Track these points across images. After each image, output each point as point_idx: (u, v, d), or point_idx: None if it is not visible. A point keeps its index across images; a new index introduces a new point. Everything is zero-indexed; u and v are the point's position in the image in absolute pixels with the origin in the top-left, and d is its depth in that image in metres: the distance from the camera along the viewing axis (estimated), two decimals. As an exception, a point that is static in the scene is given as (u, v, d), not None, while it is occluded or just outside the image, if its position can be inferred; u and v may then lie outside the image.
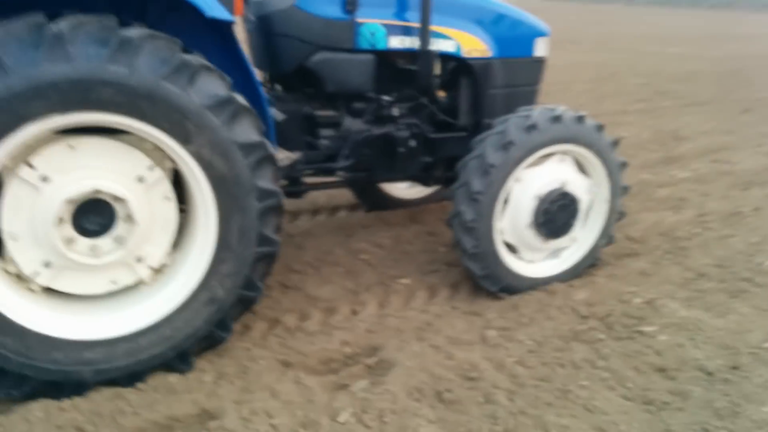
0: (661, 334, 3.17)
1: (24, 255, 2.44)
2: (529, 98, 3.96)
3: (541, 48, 3.95)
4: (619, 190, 3.72)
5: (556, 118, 3.36)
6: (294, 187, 3.67)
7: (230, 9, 2.61)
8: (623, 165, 3.70)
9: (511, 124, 3.35)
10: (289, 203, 4.76)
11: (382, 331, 3.21)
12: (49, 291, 2.56)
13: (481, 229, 3.37)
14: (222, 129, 2.49)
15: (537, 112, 3.38)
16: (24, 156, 2.35)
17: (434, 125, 3.85)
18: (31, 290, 2.52)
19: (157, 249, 2.68)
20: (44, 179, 2.38)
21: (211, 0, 2.49)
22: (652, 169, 6.25)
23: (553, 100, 9.81)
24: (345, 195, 4.98)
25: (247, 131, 2.58)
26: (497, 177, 3.31)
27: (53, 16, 2.23)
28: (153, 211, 2.61)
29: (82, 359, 2.50)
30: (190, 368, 2.75)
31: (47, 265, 2.48)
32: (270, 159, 2.68)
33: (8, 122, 2.16)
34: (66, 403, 2.47)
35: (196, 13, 2.43)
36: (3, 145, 2.20)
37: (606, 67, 14.20)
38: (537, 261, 3.70)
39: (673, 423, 2.55)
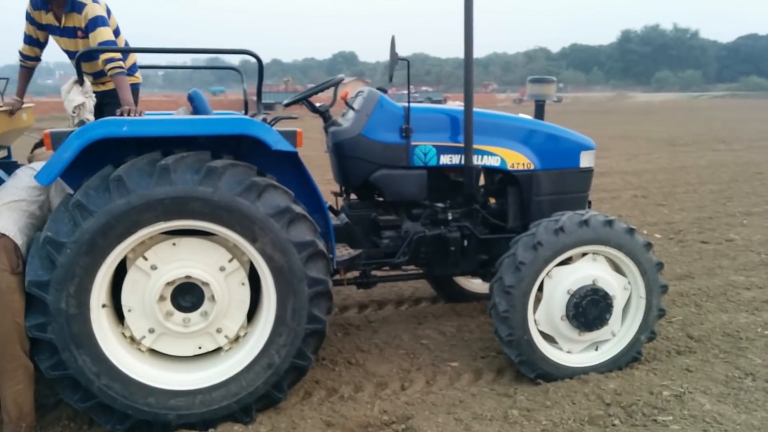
0: (675, 424, 3.37)
1: (136, 323, 3.35)
2: (577, 204, 4.42)
3: (586, 160, 4.45)
4: (656, 289, 3.99)
5: (584, 222, 3.81)
6: (363, 279, 4.37)
7: (293, 143, 3.46)
8: (659, 265, 3.99)
9: (541, 227, 3.84)
10: (375, 295, 5.54)
11: (419, 404, 3.71)
12: (152, 351, 3.43)
13: (514, 319, 3.82)
14: (281, 231, 3.28)
15: (566, 216, 3.84)
16: (142, 251, 3.29)
17: (487, 227, 4.42)
18: (140, 350, 3.41)
19: (233, 323, 3.48)
20: (153, 267, 3.29)
21: (278, 137, 3.36)
22: (748, 272, 6.20)
23: (678, 200, 9.91)
24: (427, 288, 5.60)
25: (301, 233, 3.35)
26: (527, 273, 3.78)
27: (168, 153, 3.20)
28: (231, 293, 3.43)
29: (169, 405, 3.29)
30: (252, 420, 3.43)
31: (151, 331, 3.36)
32: (320, 254, 3.41)
33: (129, 227, 3.10)
34: (154, 437, 3.27)
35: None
36: (125, 243, 3.14)
37: (750, 166, 13.73)
38: (575, 352, 4.03)
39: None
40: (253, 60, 3.61)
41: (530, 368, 3.91)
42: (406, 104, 4.08)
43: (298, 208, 3.36)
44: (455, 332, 4.76)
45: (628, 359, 4.07)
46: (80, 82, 3.52)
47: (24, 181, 3.46)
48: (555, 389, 3.79)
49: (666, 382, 3.83)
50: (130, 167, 3.10)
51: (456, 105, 4.57)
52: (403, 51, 3.86)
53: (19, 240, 3.20)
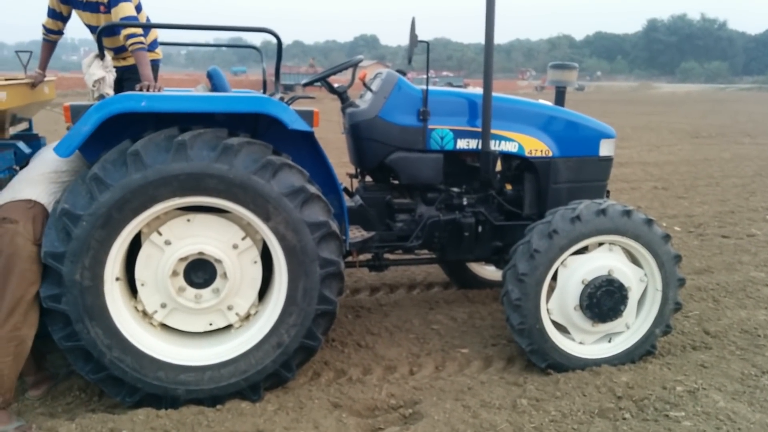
0: (687, 420, 3.32)
1: (148, 297, 3.36)
2: (596, 193, 4.35)
3: (606, 148, 4.37)
4: (673, 282, 3.93)
5: (601, 212, 3.75)
6: (376, 261, 4.35)
7: (310, 123, 3.43)
8: (677, 258, 3.92)
9: (557, 215, 3.79)
10: (388, 278, 5.53)
11: (427, 389, 3.69)
12: (163, 326, 3.45)
13: (527, 308, 3.78)
14: (295, 211, 3.26)
15: (583, 205, 3.79)
16: (156, 226, 3.29)
17: (503, 214, 4.38)
18: (152, 324, 3.42)
19: (244, 301, 3.48)
20: (167, 243, 3.30)
21: (294, 116, 3.34)
22: (768, 268, 6.10)
23: (700, 192, 9.78)
24: (439, 274, 5.57)
25: (315, 213, 3.33)
26: (542, 261, 3.73)
27: (186, 129, 3.19)
28: (243, 271, 3.43)
29: (178, 380, 3.31)
30: (259, 398, 3.45)
31: (163, 306, 3.38)
32: (333, 235, 3.39)
33: (144, 202, 3.10)
34: (162, 411, 3.26)
35: None
36: (140, 217, 3.14)
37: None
38: (588, 343, 3.98)
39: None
40: (275, 40, 3.58)
41: (541, 358, 3.88)
42: (424, 87, 4.03)
43: (313, 189, 3.34)
44: (466, 318, 4.73)
45: (641, 352, 4.02)
46: (101, 56, 3.51)
47: None
48: (566, 380, 3.75)
49: (680, 378, 3.78)
50: (147, 142, 3.10)
51: (476, 90, 4.52)
52: (424, 35, 3.82)
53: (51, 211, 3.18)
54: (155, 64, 4.27)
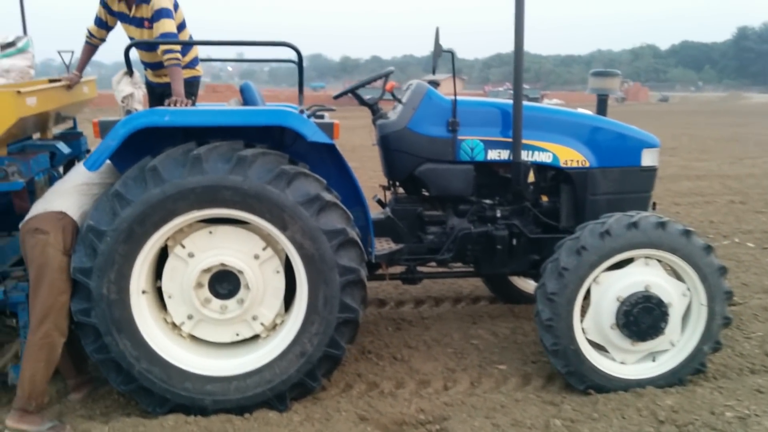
0: (732, 448, 3.09)
1: (176, 309, 3.45)
2: (638, 204, 4.13)
3: (649, 158, 4.18)
4: (719, 295, 3.69)
5: (633, 225, 3.57)
6: (408, 275, 4.30)
7: (330, 135, 3.46)
8: (721, 269, 3.68)
9: (586, 230, 3.63)
10: (434, 291, 5.47)
11: (458, 405, 3.61)
12: (193, 337, 3.53)
13: (559, 328, 3.62)
14: (310, 219, 3.28)
15: (614, 218, 3.62)
16: (180, 239, 3.38)
17: (539, 226, 4.24)
18: (181, 336, 3.51)
19: (269, 310, 3.52)
20: (190, 255, 3.38)
21: (314, 129, 3.37)
22: None
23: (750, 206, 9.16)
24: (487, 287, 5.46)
25: (332, 221, 3.33)
26: (571, 279, 3.58)
27: (204, 142, 3.28)
28: (266, 281, 3.47)
29: (205, 390, 3.38)
30: (286, 408, 3.47)
31: (190, 317, 3.46)
32: (352, 242, 3.38)
33: (164, 216, 3.20)
34: (190, 418, 3.34)
35: None
36: (161, 231, 3.23)
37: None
38: (629, 362, 3.78)
39: None
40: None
41: (579, 380, 3.71)
42: (453, 97, 3.98)
43: (329, 196, 3.35)
44: (508, 334, 4.60)
45: (689, 371, 3.79)
46: (129, 73, 3.66)
47: None
48: (605, 401, 3.58)
49: (731, 402, 3.52)
50: (165, 158, 3.20)
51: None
52: (502, 47, 3.75)
53: (81, 223, 3.32)
54: (196, 81, 4.41)
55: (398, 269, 4.39)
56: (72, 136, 4.45)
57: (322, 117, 4.24)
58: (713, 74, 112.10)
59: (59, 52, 4.54)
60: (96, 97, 4.76)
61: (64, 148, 4.01)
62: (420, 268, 4.35)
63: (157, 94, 4.37)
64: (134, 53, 4.57)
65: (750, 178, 12.35)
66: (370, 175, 10.46)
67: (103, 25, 4.30)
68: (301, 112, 3.50)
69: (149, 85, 4.50)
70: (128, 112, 3.61)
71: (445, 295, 5.49)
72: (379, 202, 4.46)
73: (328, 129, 3.46)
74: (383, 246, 4.02)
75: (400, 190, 4.38)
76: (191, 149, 3.22)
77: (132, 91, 3.63)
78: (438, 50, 3.74)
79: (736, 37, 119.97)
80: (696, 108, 45.57)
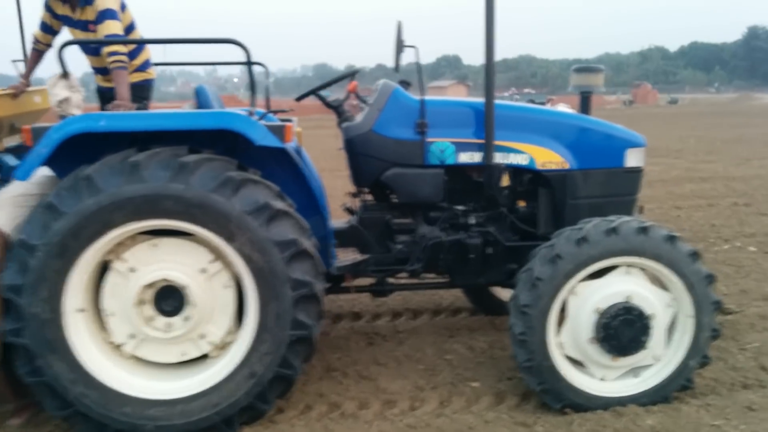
0: (716, 474, 2.82)
1: (117, 328, 3.21)
2: (622, 208, 3.85)
3: (633, 158, 3.91)
4: (707, 305, 3.41)
5: (612, 230, 3.30)
6: (378, 287, 4.05)
7: (281, 138, 3.22)
8: (708, 278, 3.41)
9: (562, 237, 3.37)
10: (413, 303, 5.21)
11: (423, 428, 3.34)
12: (137, 359, 3.28)
13: (533, 343, 3.36)
14: (259, 229, 3.03)
15: (592, 224, 3.36)
16: (120, 252, 3.15)
17: (516, 233, 3.97)
18: (123, 357, 3.26)
19: (217, 328, 3.27)
20: (132, 270, 3.15)
21: (264, 132, 3.14)
22: None
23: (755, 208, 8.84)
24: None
25: (283, 231, 3.09)
26: (545, 290, 3.31)
27: (146, 148, 3.04)
28: (214, 297, 3.22)
29: (146, 415, 3.12)
30: (234, 434, 3.22)
31: (132, 336, 3.21)
32: (304, 254, 3.14)
33: (100, 228, 2.97)
34: (134, 444, 3.10)
35: None
36: (97, 244, 3.00)
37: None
38: (610, 379, 3.51)
39: None
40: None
41: (555, 398, 3.44)
42: (420, 97, 3.74)
43: (281, 204, 3.12)
44: (486, 348, 4.33)
45: (675, 388, 3.51)
46: (65, 75, 3.44)
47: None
48: (581, 422, 3.32)
49: (719, 422, 3.26)
50: (101, 165, 2.97)
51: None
52: (508, 52, 3.52)
53: (15, 237, 3.12)
54: (148, 84, 4.21)
55: (368, 281, 4.14)
56: (24, 149, 4.24)
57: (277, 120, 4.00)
58: (723, 75, 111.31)
59: (13, 62, 4.39)
60: (50, 108, 4.55)
61: (11, 160, 3.81)
62: (391, 280, 4.10)
63: (107, 99, 4.17)
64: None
65: (756, 179, 12.00)
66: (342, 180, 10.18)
67: (49, 30, 4.13)
68: (251, 114, 3.26)
69: (100, 91, 4.33)
70: (63, 117, 3.39)
71: (424, 307, 5.21)
72: (348, 210, 4.21)
73: (279, 132, 3.22)
74: (348, 257, 3.77)
75: (370, 197, 4.13)
76: (130, 156, 2.99)
77: (68, 95, 3.41)
78: (400, 45, 3.50)
79: (747, 37, 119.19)
80: (705, 109, 45.08)
